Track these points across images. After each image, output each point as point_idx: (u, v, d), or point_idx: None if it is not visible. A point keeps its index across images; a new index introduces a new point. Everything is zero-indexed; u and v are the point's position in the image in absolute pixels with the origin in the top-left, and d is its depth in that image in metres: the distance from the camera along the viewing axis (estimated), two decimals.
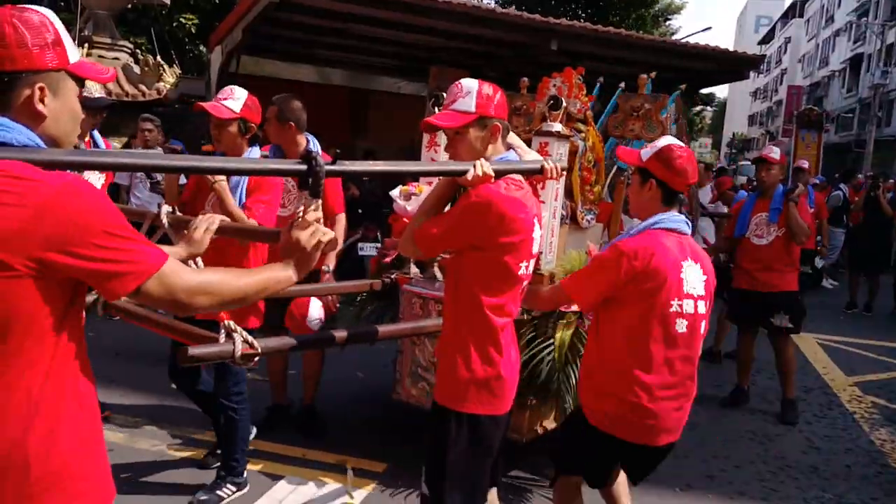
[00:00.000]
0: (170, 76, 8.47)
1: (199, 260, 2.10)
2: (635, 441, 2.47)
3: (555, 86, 3.76)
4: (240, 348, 1.85)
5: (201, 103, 3.14)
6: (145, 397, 4.52)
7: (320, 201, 1.65)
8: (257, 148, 3.28)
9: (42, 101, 1.33)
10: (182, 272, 1.39)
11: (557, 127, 3.29)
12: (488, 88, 2.20)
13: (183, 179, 3.39)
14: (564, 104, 3.29)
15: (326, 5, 7.78)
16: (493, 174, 2.09)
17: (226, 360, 1.86)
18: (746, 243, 5.05)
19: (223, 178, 3.04)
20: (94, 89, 4.00)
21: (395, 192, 3.62)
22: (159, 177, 4.94)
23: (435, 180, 2.61)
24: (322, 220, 1.67)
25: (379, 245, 7.99)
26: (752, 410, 5.18)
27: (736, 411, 5.15)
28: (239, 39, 8.48)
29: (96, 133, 4.01)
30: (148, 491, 3.40)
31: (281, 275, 1.58)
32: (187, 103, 11.08)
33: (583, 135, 3.81)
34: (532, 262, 2.28)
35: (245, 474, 3.40)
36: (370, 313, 3.88)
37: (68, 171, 1.29)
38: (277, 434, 4.05)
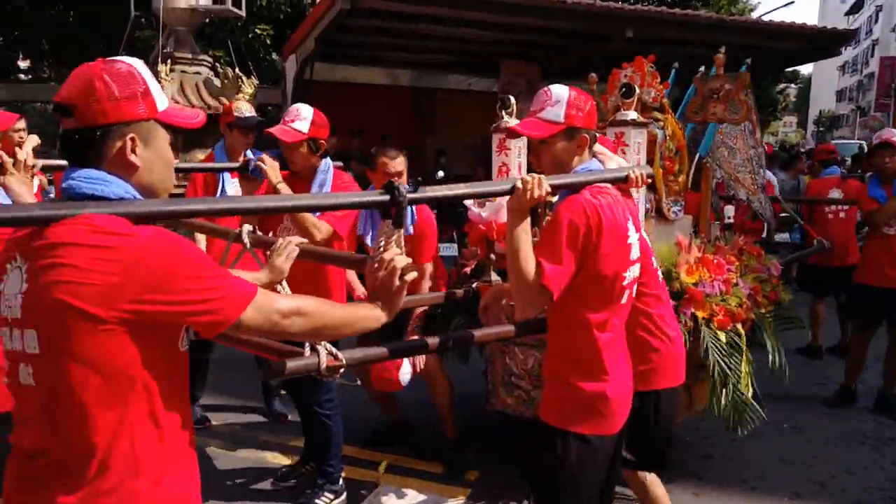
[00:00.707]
0: (248, 87, 8.70)
1: (284, 284, 2.13)
2: None
3: (626, 76, 3.64)
4: (325, 360, 1.86)
5: (270, 129, 3.18)
6: (243, 405, 4.65)
7: (402, 231, 1.65)
8: (328, 159, 3.31)
9: (134, 151, 1.36)
10: (275, 298, 1.42)
11: (632, 115, 3.16)
12: (578, 98, 2.12)
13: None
14: (637, 91, 3.17)
15: (395, 8, 7.85)
16: (547, 190, 2.00)
17: (312, 373, 1.88)
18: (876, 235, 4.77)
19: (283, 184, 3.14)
20: (245, 109, 4.05)
21: (468, 200, 3.58)
22: None
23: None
24: (406, 251, 1.66)
25: (455, 244, 8.00)
26: (859, 410, 4.83)
27: (843, 412, 4.80)
28: (312, 48, 8.67)
29: (249, 153, 4.02)
30: (247, 499, 3.49)
31: (370, 314, 1.59)
32: (265, 112, 11.41)
33: (661, 123, 3.67)
34: (634, 268, 2.18)
35: (341, 481, 3.45)
36: (454, 328, 3.82)
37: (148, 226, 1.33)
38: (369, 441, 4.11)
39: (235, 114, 3.98)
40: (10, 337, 1.33)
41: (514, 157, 3.67)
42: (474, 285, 3.46)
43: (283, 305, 1.42)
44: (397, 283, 1.60)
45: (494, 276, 3.52)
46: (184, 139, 4.11)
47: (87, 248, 1.24)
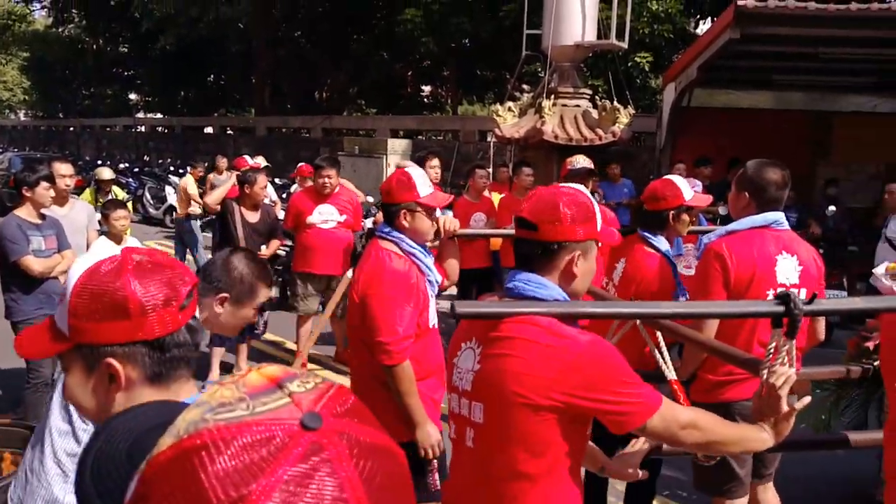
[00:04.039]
0: (624, 117, 8.93)
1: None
2: None
3: None
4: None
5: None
6: None
7: (794, 342, 1.62)
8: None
9: (576, 264, 1.62)
10: (676, 409, 1.57)
11: None
12: None
13: None
14: None
15: (792, 32, 7.32)
16: None
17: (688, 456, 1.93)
18: None
19: None
20: (578, 161, 4.49)
21: (879, 270, 3.17)
22: None
23: None
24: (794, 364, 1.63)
25: (844, 293, 7.12)
26: None
27: None
28: (694, 77, 8.54)
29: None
30: None
31: (757, 437, 1.62)
32: (639, 141, 11.57)
33: None
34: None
35: None
36: (845, 408, 3.44)
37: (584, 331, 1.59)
38: None
39: (569, 167, 4.37)
40: (458, 404, 1.68)
41: None
42: (875, 363, 3.04)
43: (683, 417, 1.56)
44: (785, 407, 1.59)
45: None
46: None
47: (535, 344, 1.52)
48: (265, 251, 5.45)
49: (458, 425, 1.68)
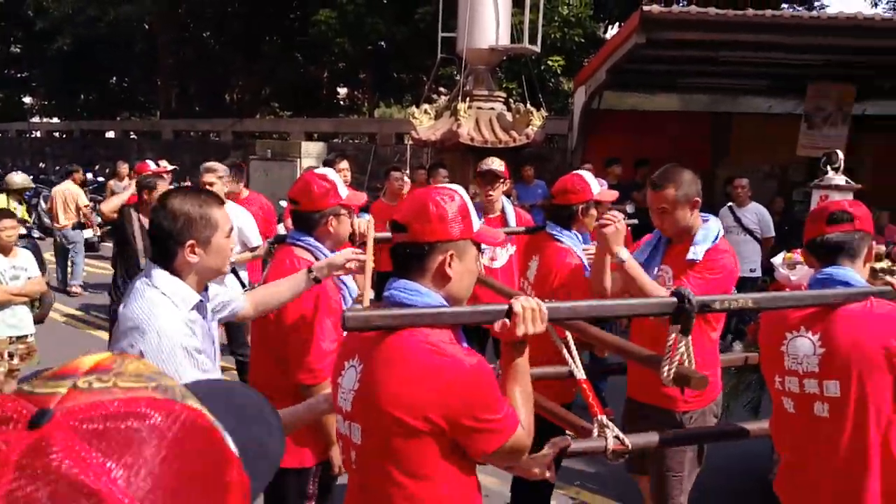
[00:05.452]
0: (537, 119, 9.09)
1: None
2: None
3: None
4: (612, 444, 1.92)
5: None
6: None
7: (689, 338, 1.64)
8: None
9: (450, 265, 1.56)
10: (523, 434, 1.54)
11: None
12: None
13: None
14: None
15: (694, 37, 7.61)
16: None
17: (598, 455, 1.95)
18: None
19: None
20: (492, 164, 4.43)
21: (777, 260, 3.35)
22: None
23: None
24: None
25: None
26: None
27: None
28: (603, 80, 8.75)
29: (507, 202, 4.51)
30: None
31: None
32: (552, 142, 11.80)
33: None
34: None
35: None
36: (743, 391, 3.61)
37: (475, 351, 1.53)
38: None
39: (483, 167, 4.35)
40: (342, 425, 1.60)
41: None
42: None
43: (527, 442, 1.55)
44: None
45: None
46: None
47: (415, 363, 1.45)
48: None
49: (344, 446, 1.61)
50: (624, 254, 2.57)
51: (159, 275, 1.94)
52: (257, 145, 13.23)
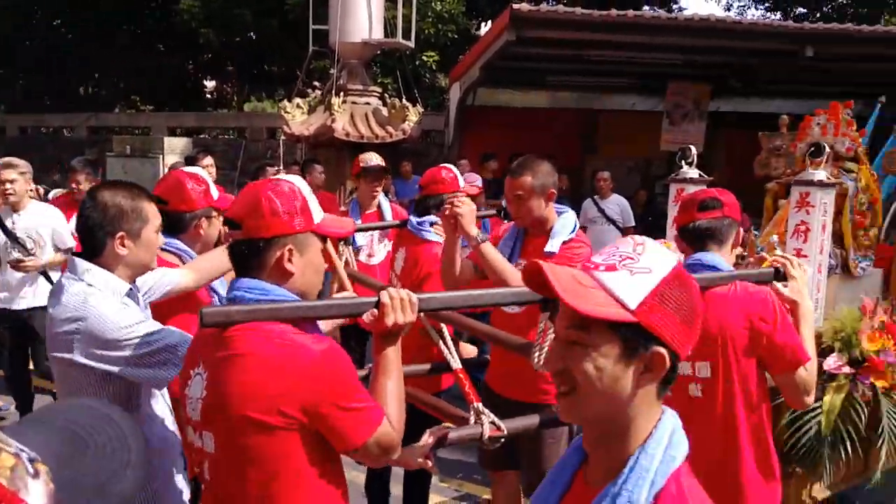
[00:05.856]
0: (413, 115, 9.05)
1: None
2: None
3: (818, 125, 3.37)
4: (488, 430, 1.90)
5: None
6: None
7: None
8: None
9: (290, 260, 1.49)
10: (388, 428, 1.50)
11: (821, 175, 2.94)
12: None
13: None
14: (828, 150, 2.93)
15: (562, 36, 7.85)
16: None
17: (476, 442, 1.92)
18: None
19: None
20: (371, 158, 4.30)
21: None
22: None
23: None
24: None
25: None
26: None
27: None
28: (477, 76, 8.86)
29: (382, 198, 4.37)
30: None
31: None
32: (428, 138, 11.82)
33: (854, 174, 3.38)
34: None
35: None
36: None
37: (326, 337, 1.46)
38: None
39: (362, 165, 4.23)
40: (192, 435, 1.50)
41: (816, 216, 2.98)
42: None
43: (396, 437, 1.51)
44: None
45: None
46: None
47: (261, 358, 1.37)
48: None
49: (196, 458, 1.51)
50: (477, 232, 2.55)
51: (85, 267, 1.86)
52: (115, 141, 12.38)
